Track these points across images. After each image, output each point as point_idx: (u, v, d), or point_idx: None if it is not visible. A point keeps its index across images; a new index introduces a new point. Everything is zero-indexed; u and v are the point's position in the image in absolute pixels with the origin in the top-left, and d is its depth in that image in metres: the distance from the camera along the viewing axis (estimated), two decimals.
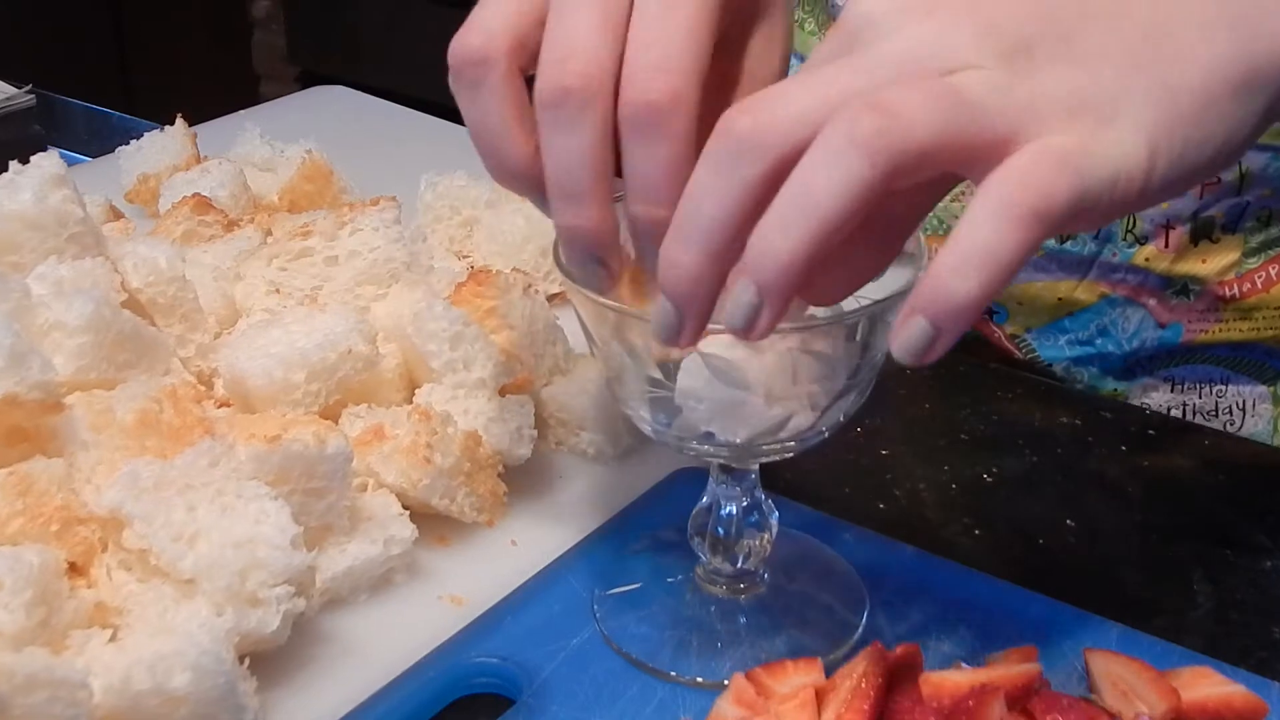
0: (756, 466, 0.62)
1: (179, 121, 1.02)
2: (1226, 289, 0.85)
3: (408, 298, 0.73)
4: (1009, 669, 0.56)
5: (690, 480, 0.72)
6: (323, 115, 1.19)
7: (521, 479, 0.73)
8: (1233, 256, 0.83)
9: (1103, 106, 0.43)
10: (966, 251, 0.42)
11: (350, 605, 0.65)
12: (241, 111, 1.19)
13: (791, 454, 0.59)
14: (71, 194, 0.74)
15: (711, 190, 0.44)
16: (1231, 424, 0.88)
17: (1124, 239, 0.83)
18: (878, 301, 0.55)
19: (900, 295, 0.56)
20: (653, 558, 0.68)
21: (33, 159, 0.74)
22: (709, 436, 0.58)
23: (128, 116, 1.28)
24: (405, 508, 0.67)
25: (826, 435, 0.59)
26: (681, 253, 0.45)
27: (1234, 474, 0.76)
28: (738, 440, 0.58)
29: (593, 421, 0.74)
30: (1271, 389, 0.88)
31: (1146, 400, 0.89)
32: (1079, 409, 0.82)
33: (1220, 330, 0.86)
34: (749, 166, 0.43)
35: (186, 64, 2.83)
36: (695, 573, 0.66)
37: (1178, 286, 0.85)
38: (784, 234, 0.42)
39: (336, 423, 0.70)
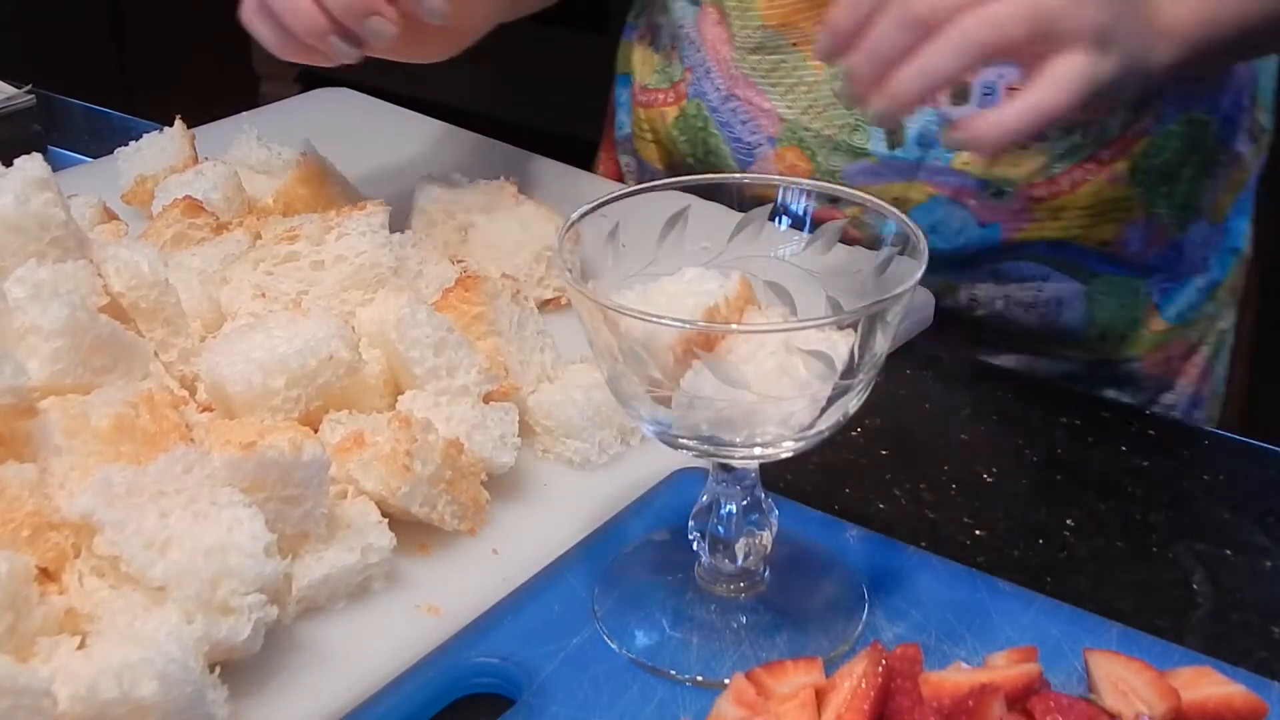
0: (756, 466, 0.62)
1: (177, 123, 1.02)
2: (1036, 191, 0.94)
3: (392, 303, 0.73)
4: (1009, 669, 0.56)
5: (690, 480, 0.72)
6: (322, 116, 1.19)
7: (505, 487, 0.72)
8: (1041, 161, 0.93)
9: (1108, 37, 0.69)
10: (1033, 99, 0.70)
11: (327, 613, 0.65)
12: (242, 114, 1.19)
13: (791, 454, 0.59)
14: (54, 197, 0.74)
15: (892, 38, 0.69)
16: (1047, 316, 0.98)
17: (942, 145, 0.93)
18: (878, 301, 0.55)
19: (900, 295, 0.56)
20: (653, 557, 0.68)
21: (16, 161, 0.74)
22: (709, 436, 0.58)
23: (128, 116, 1.28)
24: (385, 515, 0.66)
25: (826, 435, 0.59)
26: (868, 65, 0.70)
27: (1234, 474, 0.76)
28: (738, 440, 0.58)
29: (579, 429, 0.74)
30: (1086, 287, 0.97)
31: (974, 293, 0.98)
32: (1079, 409, 0.82)
33: (1035, 229, 0.95)
34: (912, 33, 0.69)
35: (186, 64, 2.83)
36: (695, 572, 0.66)
37: (993, 189, 0.94)
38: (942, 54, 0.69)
39: (318, 429, 0.70)
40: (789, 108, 0.97)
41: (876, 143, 0.95)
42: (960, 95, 0.83)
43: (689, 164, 1.06)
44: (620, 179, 1.16)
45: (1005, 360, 1.00)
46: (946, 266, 0.97)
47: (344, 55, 0.81)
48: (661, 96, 1.07)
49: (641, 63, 1.10)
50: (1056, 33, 0.69)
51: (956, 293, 0.98)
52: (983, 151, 0.73)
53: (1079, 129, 0.92)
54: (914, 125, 0.94)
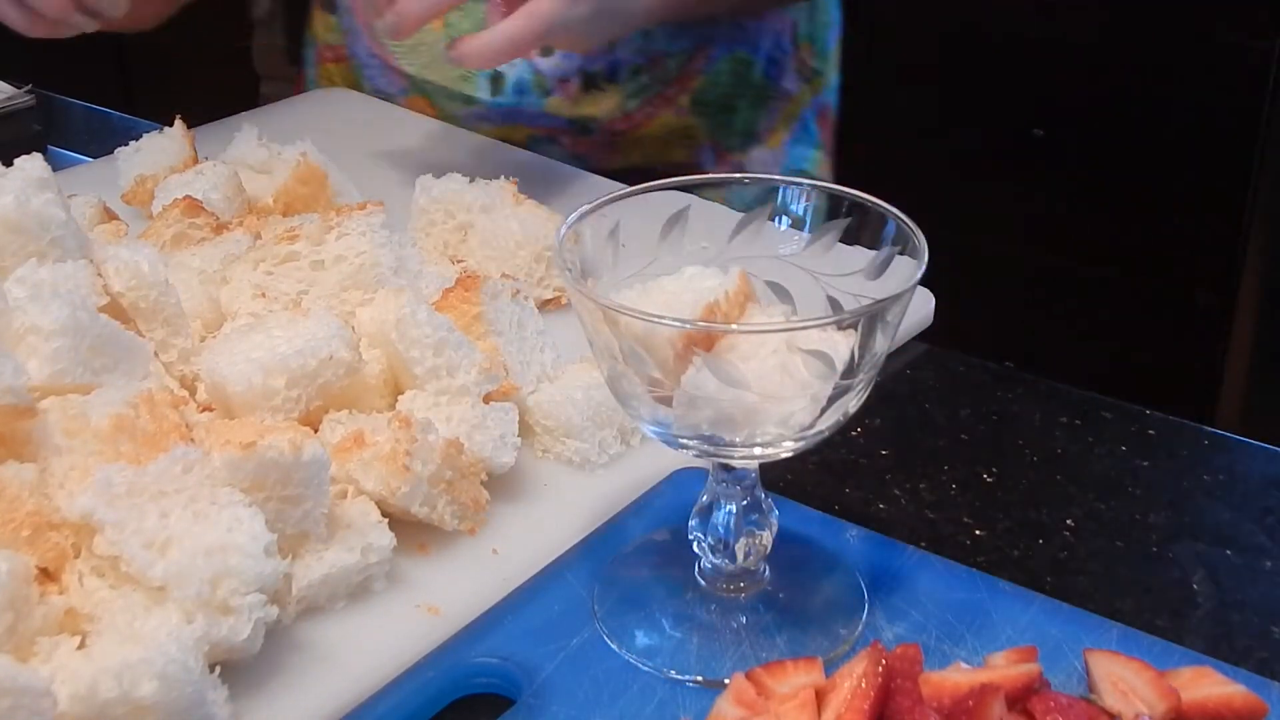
0: (756, 466, 0.62)
1: (178, 123, 1.02)
2: (616, 125, 1.11)
3: (392, 303, 0.73)
4: (1009, 669, 0.56)
5: (690, 479, 0.72)
6: (322, 116, 1.19)
7: (505, 487, 0.72)
8: (616, 100, 1.10)
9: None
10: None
11: (327, 613, 0.65)
12: (241, 114, 1.19)
13: (791, 454, 0.59)
14: (54, 197, 0.74)
15: None
16: None
17: (534, 92, 1.11)
18: (878, 301, 0.55)
19: (900, 295, 0.56)
20: (653, 557, 0.68)
21: (16, 161, 0.74)
22: (709, 436, 0.58)
23: (128, 116, 1.28)
24: (385, 515, 0.66)
25: (826, 435, 0.59)
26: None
27: (1234, 474, 0.76)
28: (738, 440, 0.58)
29: (579, 429, 0.74)
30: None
31: None
32: (1079, 409, 0.82)
33: (620, 159, 1.12)
34: None
35: (186, 64, 2.83)
36: (695, 572, 0.66)
37: (580, 127, 1.11)
38: None
39: (318, 429, 0.70)
40: (410, 65, 1.15)
41: (482, 91, 1.12)
42: (548, 50, 1.07)
43: None
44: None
45: None
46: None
47: (85, 27, 0.98)
48: (330, 53, 1.25)
49: (324, 27, 1.26)
50: None
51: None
52: (471, 65, 0.89)
53: (644, 71, 1.09)
54: (512, 76, 1.10)
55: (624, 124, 1.11)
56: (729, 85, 1.13)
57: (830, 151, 1.24)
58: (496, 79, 1.11)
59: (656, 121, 1.11)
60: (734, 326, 0.59)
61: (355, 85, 1.23)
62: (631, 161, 1.12)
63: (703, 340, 0.56)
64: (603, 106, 1.10)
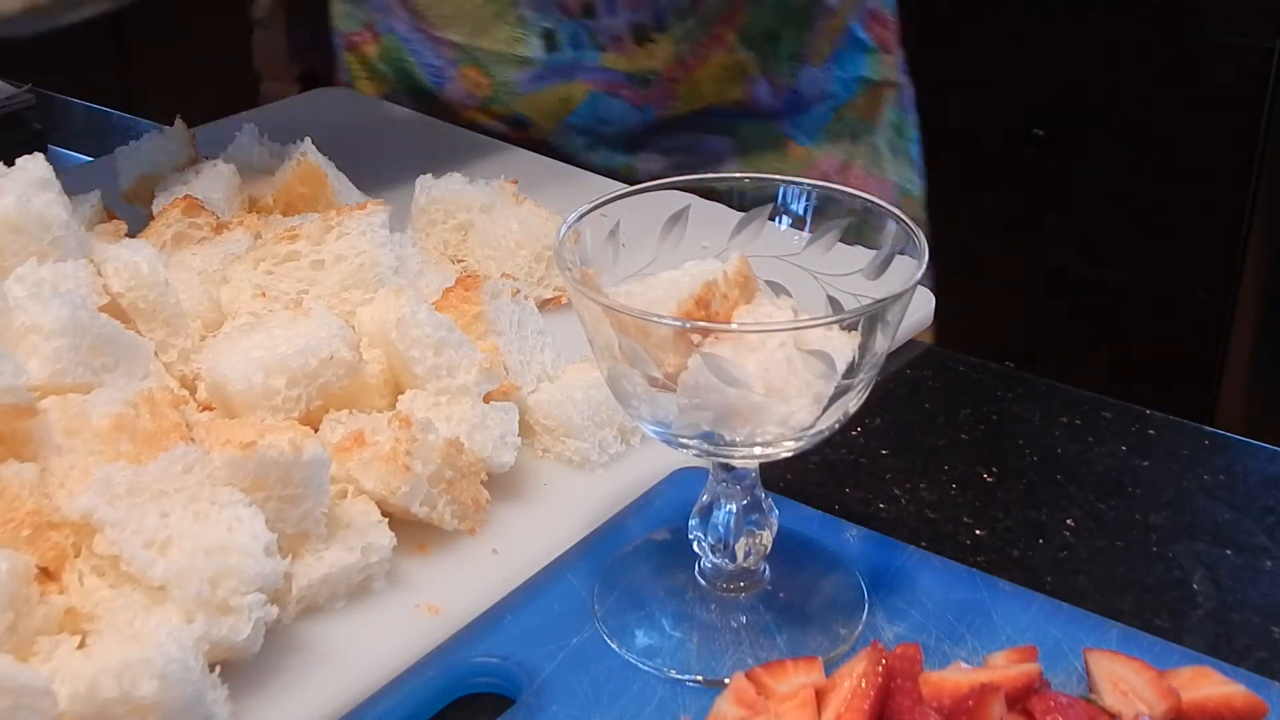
0: (756, 466, 0.62)
1: (178, 122, 1.02)
2: (672, 73, 1.10)
3: (392, 303, 0.73)
4: (1009, 669, 0.56)
5: (690, 479, 0.72)
6: (322, 116, 1.19)
7: (506, 486, 0.72)
8: (670, 49, 1.09)
9: None
10: None
11: (327, 613, 0.64)
12: (241, 113, 1.19)
13: (791, 453, 0.59)
14: (55, 197, 0.74)
15: None
16: (708, 170, 1.13)
17: (589, 46, 1.09)
18: (878, 301, 0.55)
19: (900, 295, 0.56)
20: (653, 557, 0.68)
21: (18, 161, 0.74)
22: (709, 435, 0.58)
23: (128, 116, 1.28)
24: (385, 515, 0.66)
25: (826, 435, 0.59)
26: None
27: (1234, 474, 0.76)
28: (738, 440, 0.58)
29: (579, 429, 0.74)
30: (733, 139, 1.14)
31: (650, 168, 1.14)
32: (1079, 409, 0.82)
33: (682, 105, 1.12)
34: None
35: (186, 64, 2.83)
36: (695, 572, 0.66)
37: (639, 79, 1.10)
38: None
39: (318, 429, 0.70)
40: (457, 33, 1.12)
41: (537, 51, 1.09)
42: (588, 11, 1.06)
43: (397, 90, 1.19)
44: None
45: None
46: (619, 149, 1.14)
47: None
48: (359, 38, 1.20)
49: (339, 16, 1.23)
50: None
51: (635, 174, 1.13)
52: None
53: (689, 15, 1.08)
54: (565, 32, 1.08)
55: (680, 70, 1.10)
56: (772, 14, 1.12)
57: (893, 50, 1.21)
58: (550, 37, 1.09)
59: (711, 63, 1.11)
60: (734, 326, 0.59)
61: (398, 67, 1.18)
62: (690, 106, 1.12)
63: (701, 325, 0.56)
64: (659, 56, 1.09)
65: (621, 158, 1.14)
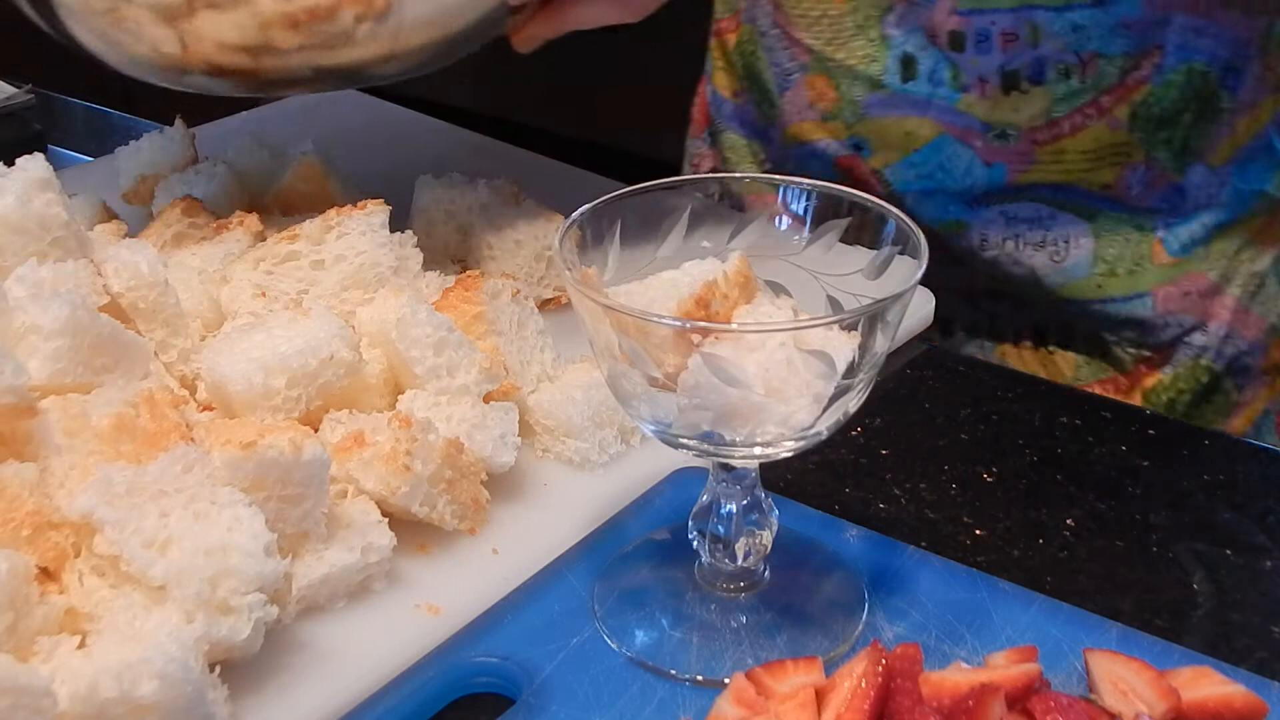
0: (756, 466, 0.62)
1: (178, 122, 1.02)
2: (1038, 134, 0.97)
3: (392, 303, 0.73)
4: (1009, 669, 0.56)
5: (690, 479, 0.72)
6: (322, 116, 1.19)
7: (505, 487, 0.72)
8: (1042, 105, 0.96)
9: None
10: None
11: (327, 613, 0.65)
12: (242, 113, 1.19)
13: (791, 454, 0.59)
14: (56, 197, 0.74)
15: None
16: (1056, 255, 1.01)
17: (949, 84, 0.97)
18: (878, 301, 0.55)
19: (900, 295, 0.56)
20: (653, 556, 0.68)
21: (18, 161, 0.74)
22: (709, 435, 0.58)
23: (128, 116, 1.28)
24: (385, 515, 0.66)
25: (826, 435, 0.59)
26: None
27: (1234, 474, 0.76)
28: (738, 439, 0.58)
29: (579, 429, 0.74)
30: (1092, 225, 1.00)
31: (986, 232, 1.01)
32: (1079, 409, 0.82)
33: (1038, 171, 0.98)
34: None
35: None
36: (695, 572, 0.66)
37: (997, 131, 0.98)
38: None
39: (318, 429, 0.70)
40: (815, 39, 1.02)
41: (892, 76, 0.98)
42: (957, 43, 0.93)
43: (742, 87, 1.11)
44: (706, 119, 1.19)
45: (1018, 318, 1.02)
46: (956, 204, 1.01)
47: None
48: (726, 24, 1.13)
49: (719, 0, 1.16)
50: None
51: (968, 231, 1.01)
52: None
53: (1075, 73, 0.94)
54: (927, 63, 0.96)
55: (1046, 133, 0.97)
56: (1177, 98, 0.96)
57: None
58: (909, 64, 0.98)
59: (1085, 134, 0.97)
60: (734, 326, 0.59)
61: (749, 61, 1.10)
62: (1048, 176, 0.98)
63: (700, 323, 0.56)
64: (1024, 112, 0.96)
65: (957, 210, 1.01)
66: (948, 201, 1.00)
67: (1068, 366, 1.03)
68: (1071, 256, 1.00)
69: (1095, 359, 1.02)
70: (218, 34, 0.77)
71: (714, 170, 1.16)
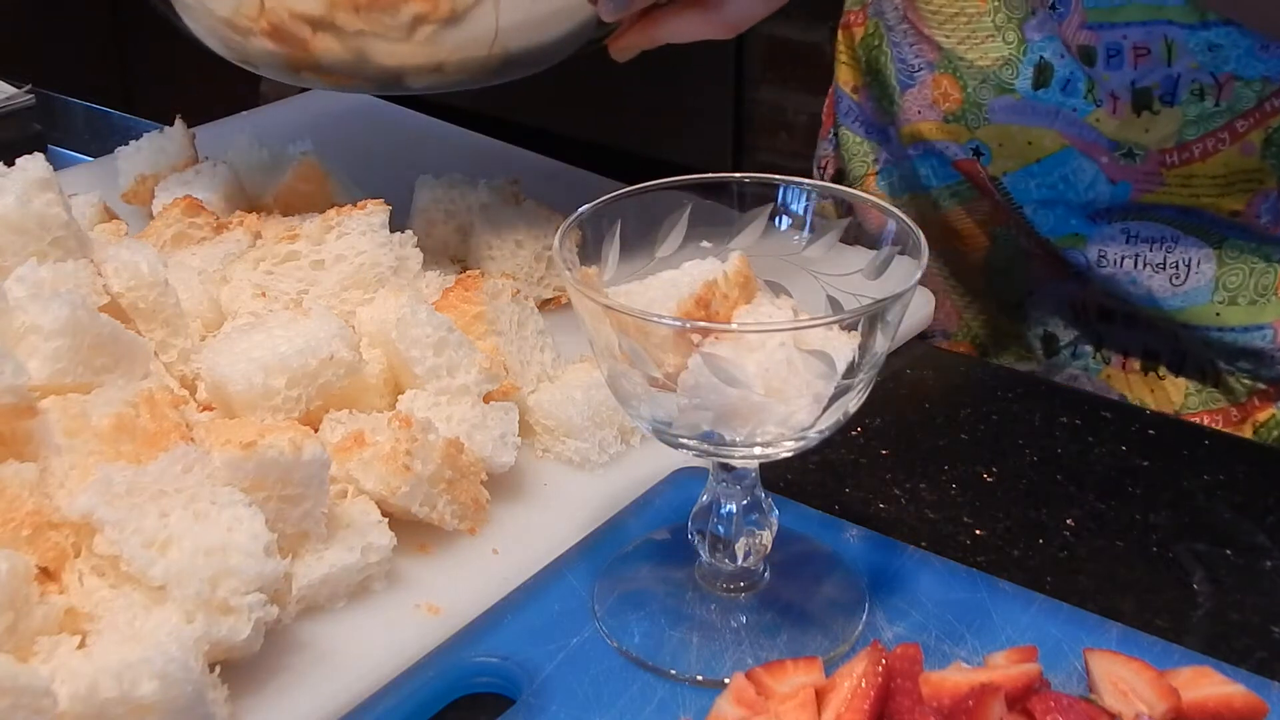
0: (756, 466, 0.62)
1: (178, 122, 1.02)
2: (1168, 157, 0.93)
3: (392, 303, 0.73)
4: (1009, 669, 0.56)
5: (690, 479, 0.72)
6: (322, 116, 1.19)
7: (506, 487, 0.72)
8: (1172, 127, 0.92)
9: None
10: None
11: (327, 613, 0.65)
12: (242, 113, 1.19)
13: (791, 453, 0.59)
14: (56, 198, 0.74)
15: None
16: (1177, 278, 0.97)
17: (1085, 98, 0.94)
18: (878, 301, 0.55)
19: (900, 295, 0.56)
20: (653, 556, 0.68)
21: (19, 161, 0.74)
22: (709, 435, 0.58)
23: (128, 116, 1.28)
24: (385, 515, 0.66)
25: (826, 435, 0.59)
26: None
27: (1234, 474, 0.76)
28: (738, 439, 0.58)
29: (579, 429, 0.74)
30: (1216, 251, 0.96)
31: (1105, 248, 0.98)
32: (1079, 409, 0.82)
33: (1164, 194, 0.95)
34: None
35: (186, 64, 2.83)
36: (695, 572, 0.66)
37: (1125, 150, 0.94)
38: None
39: (318, 429, 0.70)
40: (947, 37, 0.99)
41: (1025, 81, 0.96)
42: (1088, 57, 0.91)
43: (864, 83, 1.10)
44: (832, 119, 1.17)
45: (1128, 339, 1.00)
46: (1077, 217, 0.98)
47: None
48: (853, 17, 1.11)
49: None
50: None
51: (1086, 246, 0.99)
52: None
53: (1210, 94, 0.91)
54: (1061, 72, 0.94)
55: (1176, 156, 0.93)
56: None
57: None
58: (1043, 70, 0.95)
59: (1216, 158, 0.93)
60: (734, 326, 0.59)
61: (872, 56, 1.08)
62: (1174, 199, 0.95)
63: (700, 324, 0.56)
64: (1154, 133, 0.93)
65: (1077, 223, 0.98)
66: (1069, 214, 0.98)
67: (1177, 393, 1.00)
68: (1191, 281, 0.97)
69: (1207, 387, 0.99)
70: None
71: (838, 173, 1.14)
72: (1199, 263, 0.97)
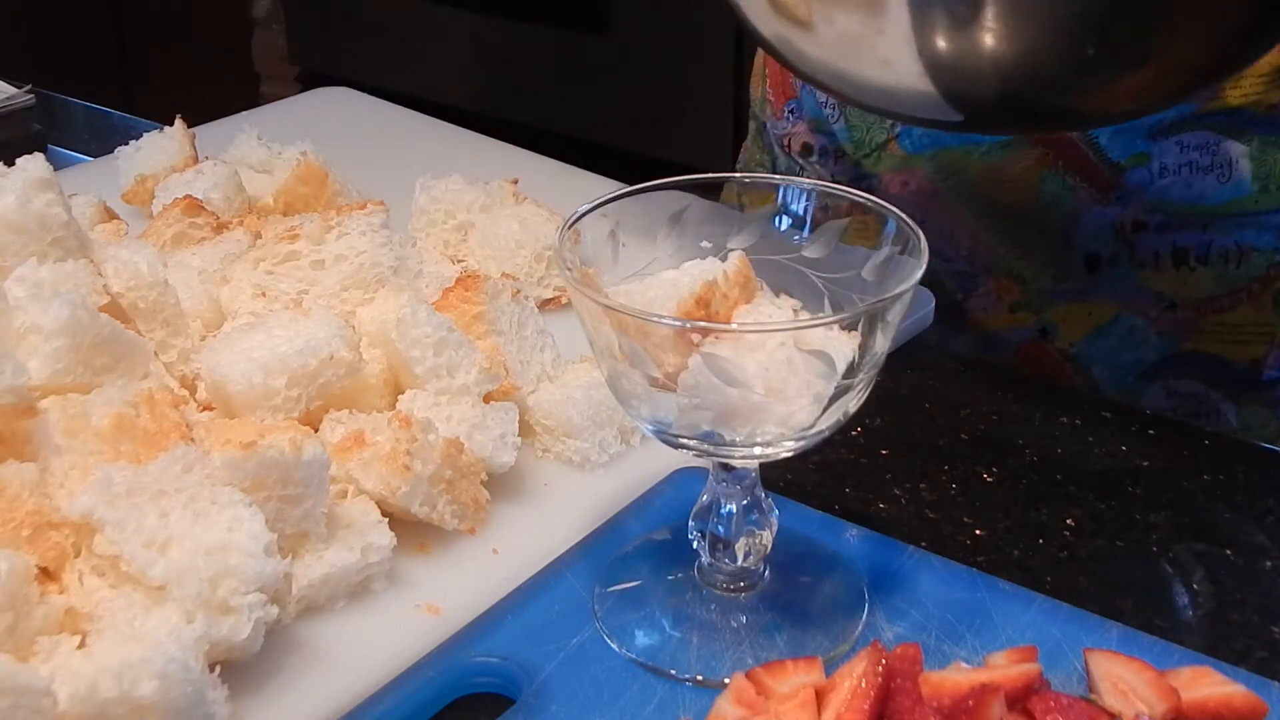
0: (756, 465, 0.62)
1: (178, 122, 1.02)
2: (1203, 308, 1.02)
3: (393, 303, 0.73)
4: (1009, 669, 0.56)
5: (690, 479, 0.72)
6: (322, 116, 1.19)
7: (505, 487, 0.72)
8: (1208, 286, 1.01)
9: None
10: None
11: (327, 613, 0.64)
12: (242, 113, 1.19)
13: (791, 453, 0.59)
14: (56, 197, 0.74)
15: None
16: (1223, 176, 1.03)
17: (1130, 264, 1.01)
18: (878, 301, 0.55)
19: (900, 295, 0.56)
20: (653, 556, 0.68)
21: (19, 161, 0.74)
22: (709, 435, 0.58)
23: (128, 116, 1.28)
24: (385, 515, 0.66)
25: (826, 435, 0.59)
26: None
27: (1234, 474, 0.76)
28: (738, 439, 0.58)
29: (579, 429, 0.74)
30: (1234, 406, 1.04)
31: (1164, 161, 1.03)
32: (1079, 409, 0.82)
33: (1195, 342, 1.03)
34: None
35: (186, 64, 2.83)
36: (695, 572, 0.66)
37: (1167, 303, 1.02)
38: None
39: (318, 428, 0.70)
40: (1003, 244, 1.05)
41: (1076, 273, 1.03)
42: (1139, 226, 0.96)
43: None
44: (786, 88, 1.16)
45: (1158, 242, 1.04)
46: (1140, 138, 1.03)
47: None
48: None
49: None
50: None
51: (1149, 161, 1.03)
52: None
53: (1234, 259, 1.00)
54: (1108, 252, 1.02)
55: (1210, 309, 1.03)
56: None
57: None
58: (1093, 261, 1.04)
59: (1236, 311, 1.03)
60: (734, 326, 0.59)
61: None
62: (1203, 347, 1.04)
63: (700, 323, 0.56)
64: (1193, 287, 1.02)
65: (1142, 144, 1.03)
66: (1135, 136, 1.02)
67: (1207, 281, 1.06)
68: (1235, 176, 1.03)
69: (1230, 270, 1.05)
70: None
71: (804, 147, 1.15)
72: (1237, 159, 1.02)
